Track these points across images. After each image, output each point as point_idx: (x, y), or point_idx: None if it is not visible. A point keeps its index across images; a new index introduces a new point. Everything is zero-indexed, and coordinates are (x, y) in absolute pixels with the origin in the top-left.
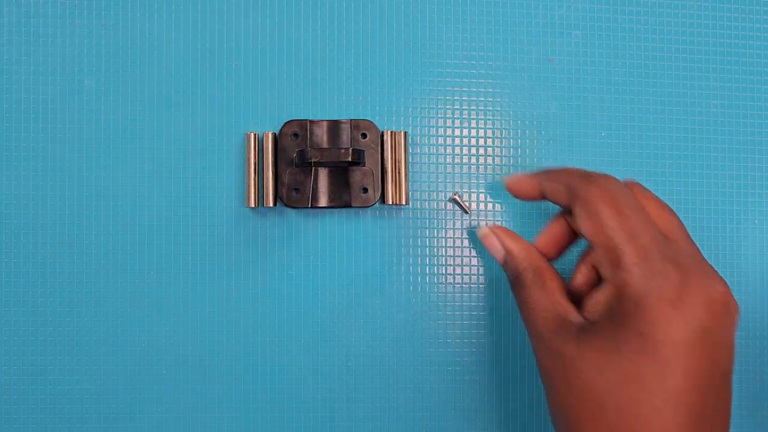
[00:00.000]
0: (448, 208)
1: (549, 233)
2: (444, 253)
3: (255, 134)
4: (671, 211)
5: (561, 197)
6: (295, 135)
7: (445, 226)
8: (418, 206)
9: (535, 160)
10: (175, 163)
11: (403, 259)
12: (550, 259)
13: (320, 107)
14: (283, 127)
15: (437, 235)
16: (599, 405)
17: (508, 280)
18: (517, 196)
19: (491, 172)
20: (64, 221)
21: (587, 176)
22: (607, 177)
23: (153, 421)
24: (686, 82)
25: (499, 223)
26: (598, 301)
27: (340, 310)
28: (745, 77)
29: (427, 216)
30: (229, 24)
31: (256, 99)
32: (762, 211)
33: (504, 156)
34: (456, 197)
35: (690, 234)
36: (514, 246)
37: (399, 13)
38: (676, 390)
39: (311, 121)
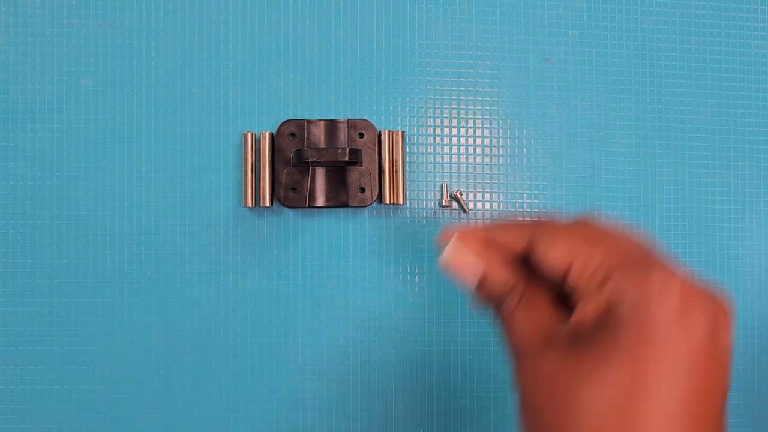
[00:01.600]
0: (444, 204)
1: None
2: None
3: (252, 134)
4: (634, 233)
5: (517, 241)
6: (293, 135)
7: (442, 225)
8: (416, 206)
9: (532, 159)
10: (172, 163)
11: (400, 258)
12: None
13: (317, 107)
14: (280, 126)
15: (434, 234)
16: (596, 424)
17: (486, 304)
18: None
19: (488, 171)
20: (61, 220)
21: (538, 220)
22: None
23: (152, 421)
24: (684, 81)
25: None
26: (585, 312)
27: (337, 309)
28: (744, 77)
29: (425, 215)
30: (227, 24)
31: (254, 99)
32: (760, 211)
33: (501, 155)
34: (457, 194)
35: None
36: (491, 267)
37: (396, 13)
38: (683, 400)
39: (308, 121)
